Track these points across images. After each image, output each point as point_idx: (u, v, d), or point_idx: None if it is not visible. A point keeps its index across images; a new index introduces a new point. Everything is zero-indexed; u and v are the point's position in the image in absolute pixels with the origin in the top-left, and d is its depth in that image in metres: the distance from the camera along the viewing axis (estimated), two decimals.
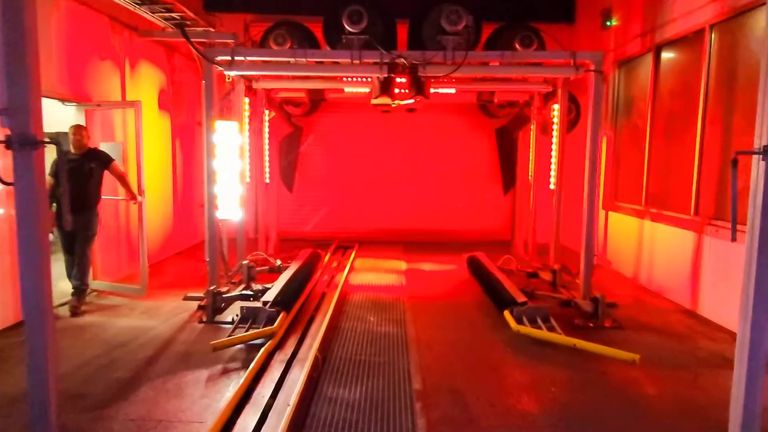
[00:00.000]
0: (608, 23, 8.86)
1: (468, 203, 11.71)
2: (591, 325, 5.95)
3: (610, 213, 9.17)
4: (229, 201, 6.92)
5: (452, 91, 8.85)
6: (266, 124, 9.10)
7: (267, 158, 9.18)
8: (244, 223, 7.91)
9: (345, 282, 7.82)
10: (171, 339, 5.46)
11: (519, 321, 5.62)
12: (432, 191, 11.69)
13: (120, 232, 7.62)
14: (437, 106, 11.21)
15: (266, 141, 9.11)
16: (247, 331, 5.39)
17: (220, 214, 6.85)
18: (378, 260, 9.63)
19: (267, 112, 9.06)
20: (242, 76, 7.32)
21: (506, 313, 5.76)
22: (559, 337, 5.16)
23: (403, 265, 9.26)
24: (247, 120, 7.88)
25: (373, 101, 7.87)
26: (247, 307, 5.63)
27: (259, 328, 5.41)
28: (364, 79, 7.76)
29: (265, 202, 9.48)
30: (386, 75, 6.40)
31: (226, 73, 6.41)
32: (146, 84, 8.57)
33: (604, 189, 9.24)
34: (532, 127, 9.18)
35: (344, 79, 7.95)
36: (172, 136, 9.49)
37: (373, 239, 11.51)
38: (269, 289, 6.33)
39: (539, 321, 5.66)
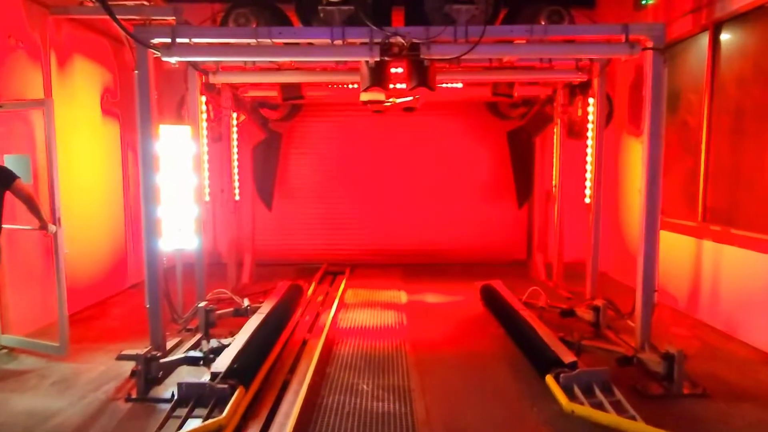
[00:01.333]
0: (644, 1, 7.35)
1: (476, 219, 10.12)
2: (663, 392, 4.37)
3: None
4: (181, 225, 5.33)
5: (459, 85, 7.32)
6: (234, 129, 7.50)
7: (236, 171, 7.56)
8: (204, 251, 6.31)
9: (332, 324, 6.21)
10: None
11: (569, 392, 4.03)
12: (434, 205, 10.11)
13: (42, 268, 5.98)
14: (439, 107, 9.69)
15: (234, 150, 7.50)
16: (187, 417, 3.79)
17: (167, 243, 5.24)
18: (373, 291, 8.01)
19: (234, 115, 7.48)
20: (193, 65, 5.75)
21: (551, 383, 4.16)
22: (638, 426, 3.56)
23: (403, 297, 7.65)
24: (205, 124, 6.30)
25: (363, 97, 6.34)
26: (187, 384, 4.01)
27: (205, 413, 3.81)
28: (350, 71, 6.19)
29: (235, 222, 7.84)
30: (378, 59, 4.84)
31: (165, 59, 4.83)
32: (82, 84, 6.98)
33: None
34: (555, 128, 7.65)
35: (326, 69, 6.41)
36: (122, 146, 7.88)
37: (367, 262, 9.91)
38: (226, 346, 4.72)
39: (597, 391, 4.08)
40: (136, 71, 4.74)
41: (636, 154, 7.77)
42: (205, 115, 6.52)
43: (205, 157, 6.22)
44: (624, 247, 8.31)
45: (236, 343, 4.78)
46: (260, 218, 9.71)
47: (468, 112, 9.87)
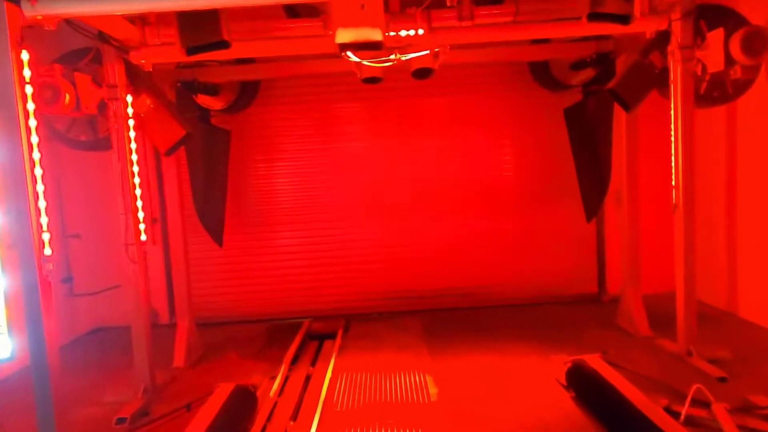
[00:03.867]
0: None
1: (523, 239, 7.02)
2: None
3: None
4: None
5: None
6: (130, 125, 4.40)
7: (138, 192, 4.42)
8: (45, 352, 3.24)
9: None
10: None
11: None
12: (462, 223, 7.02)
13: None
14: (466, 77, 6.66)
15: (133, 160, 4.35)
16: None
17: None
18: (380, 374, 4.90)
19: (129, 98, 4.41)
20: None
21: None
22: None
23: (431, 388, 4.53)
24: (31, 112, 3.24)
25: (341, 37, 3.30)
26: None
27: None
28: None
29: (141, 275, 4.65)
30: None
31: None
32: None
33: None
34: (672, 89, 4.56)
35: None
36: None
37: (369, 310, 6.86)
38: None
39: None
40: None
41: None
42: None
43: (30, 171, 3.14)
44: None
45: None
46: (209, 258, 6.66)
47: (505, 83, 6.81)
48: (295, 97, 6.72)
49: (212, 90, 5.69)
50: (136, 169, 4.43)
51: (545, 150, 6.95)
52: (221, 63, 5.45)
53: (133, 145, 4.41)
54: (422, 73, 4.62)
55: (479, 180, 7.03)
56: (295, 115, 6.79)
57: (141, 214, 4.48)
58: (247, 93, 6.18)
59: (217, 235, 6.19)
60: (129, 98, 4.40)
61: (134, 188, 4.45)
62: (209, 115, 6.20)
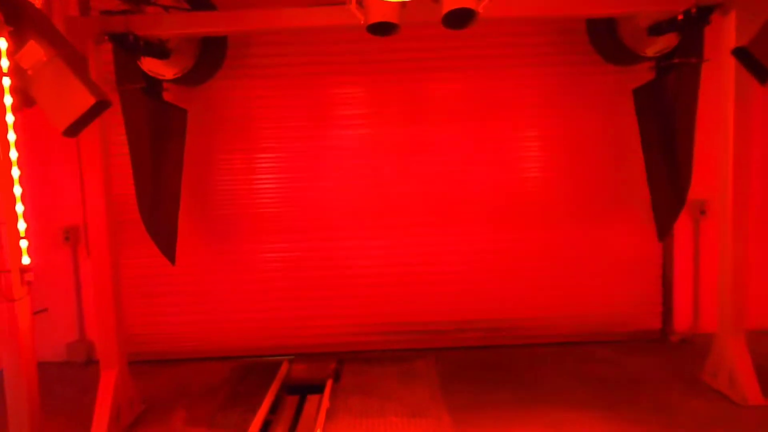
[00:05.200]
0: None
1: (565, 258, 5.45)
2: None
3: None
4: None
5: None
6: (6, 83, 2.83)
7: (18, 189, 2.86)
8: None
9: None
10: None
11: None
12: (485, 238, 5.42)
13: None
14: (491, 49, 5.15)
15: (9, 139, 2.80)
16: None
17: None
18: None
19: (4, 43, 2.84)
20: None
21: None
22: None
23: None
24: None
25: None
26: None
27: None
28: None
29: (24, 311, 3.02)
30: None
31: None
32: None
33: None
34: None
35: None
36: None
37: (367, 347, 5.32)
38: None
39: None
40: None
41: None
42: None
43: None
44: None
45: None
46: (161, 276, 5.10)
47: (548, 55, 5.24)
48: (277, 68, 5.13)
49: (158, 50, 4.12)
50: (14, 154, 2.85)
51: (599, 145, 5.38)
52: (167, 8, 3.89)
53: (10, 118, 2.83)
54: (460, 19, 3.04)
55: (512, 183, 5.44)
56: (275, 92, 5.19)
57: (22, 225, 2.90)
58: (209, 58, 4.59)
59: (168, 249, 4.60)
60: (3, 44, 2.82)
61: (11, 185, 2.87)
62: (160, 87, 4.63)
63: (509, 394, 4.29)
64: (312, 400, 4.31)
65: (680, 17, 4.02)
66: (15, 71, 2.90)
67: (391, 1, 2.91)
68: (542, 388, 4.38)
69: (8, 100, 2.86)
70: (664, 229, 4.81)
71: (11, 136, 2.84)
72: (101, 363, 3.95)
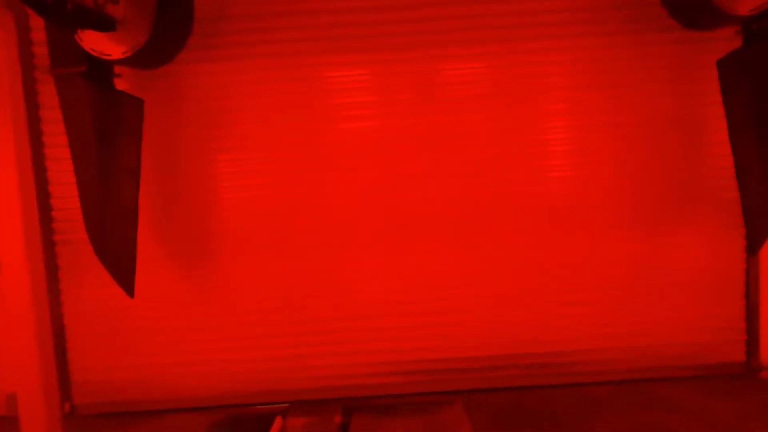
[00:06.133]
0: None
1: (621, 278, 4.41)
2: None
3: None
4: None
5: None
6: None
7: None
8: None
9: None
10: None
11: None
12: (522, 252, 4.38)
13: None
14: (527, 17, 4.16)
15: None
16: None
17: None
18: None
19: None
20: None
21: None
22: None
23: None
24: None
25: None
26: None
27: None
28: None
29: None
30: None
31: None
32: None
33: None
34: None
35: None
36: None
37: (380, 390, 4.30)
38: None
39: None
40: None
41: None
42: None
43: None
44: None
45: None
46: (123, 309, 4.11)
47: (612, 21, 4.21)
48: (261, 46, 4.13)
49: (97, 19, 3.12)
50: None
51: (663, 131, 4.34)
52: None
53: None
54: None
55: (553, 183, 4.41)
56: (260, 77, 4.19)
57: None
58: (168, 32, 3.58)
59: (123, 277, 3.62)
60: None
61: None
62: (110, 72, 3.64)
63: None
64: None
65: None
66: None
67: None
68: None
69: None
70: (759, 239, 3.76)
71: None
72: (22, 423, 2.95)
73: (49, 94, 3.71)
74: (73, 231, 3.83)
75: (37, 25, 3.41)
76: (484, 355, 4.38)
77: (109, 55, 3.42)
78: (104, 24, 3.18)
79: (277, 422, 3.92)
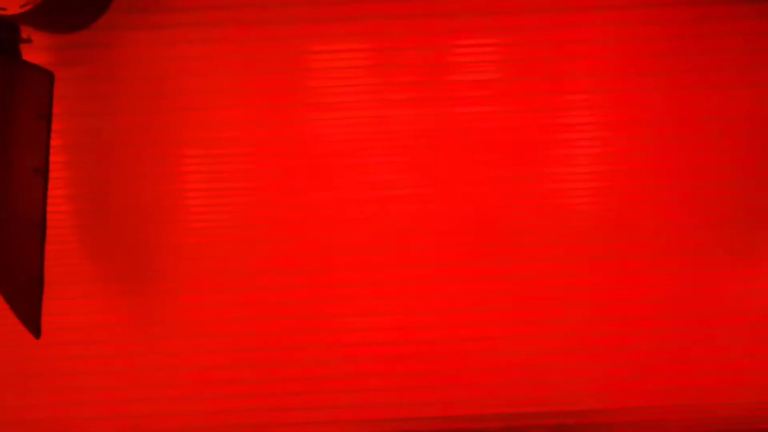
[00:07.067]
0: None
1: (674, 316, 3.51)
2: None
3: None
4: None
5: None
6: None
7: None
8: None
9: None
10: None
11: None
12: (551, 281, 3.48)
13: None
14: None
15: None
16: None
17: None
18: None
19: None
20: None
21: None
22: None
23: None
24: None
25: None
26: None
27: None
28: None
29: None
30: None
31: None
32: None
33: None
34: None
35: None
36: None
37: None
38: None
39: None
40: None
41: None
42: None
43: None
44: None
45: None
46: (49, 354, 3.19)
47: None
48: (226, 10, 3.19)
49: None
50: None
51: (737, 136, 3.42)
52: None
53: None
54: None
55: (585, 194, 3.49)
56: (225, 50, 3.24)
57: None
58: None
59: (26, 311, 2.70)
60: None
61: None
62: (14, 34, 2.71)
63: None
64: None
65: None
66: None
67: None
68: None
69: None
70: None
71: None
72: None
73: None
74: None
75: None
76: (504, 412, 3.47)
77: (4, 9, 2.48)
78: None
79: None
